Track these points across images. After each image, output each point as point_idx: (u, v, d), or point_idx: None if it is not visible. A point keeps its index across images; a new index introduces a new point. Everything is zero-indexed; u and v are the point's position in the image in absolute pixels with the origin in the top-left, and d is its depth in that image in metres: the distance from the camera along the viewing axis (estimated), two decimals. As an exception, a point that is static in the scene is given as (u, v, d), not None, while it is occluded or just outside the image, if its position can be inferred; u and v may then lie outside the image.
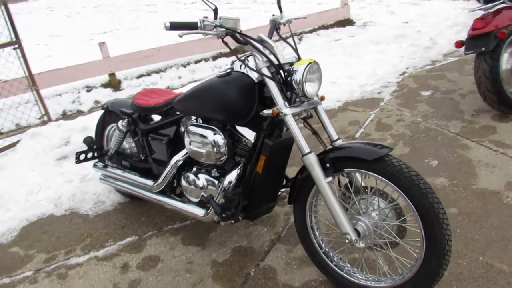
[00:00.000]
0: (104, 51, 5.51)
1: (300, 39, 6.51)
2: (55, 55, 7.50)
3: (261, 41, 2.05)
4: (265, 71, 1.87)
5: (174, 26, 1.79)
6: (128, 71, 5.80)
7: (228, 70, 2.05)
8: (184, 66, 5.98)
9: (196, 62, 6.09)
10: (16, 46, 4.16)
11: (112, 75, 5.69)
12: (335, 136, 1.97)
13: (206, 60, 6.12)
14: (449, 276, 1.98)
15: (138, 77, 5.82)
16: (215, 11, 1.83)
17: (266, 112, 1.85)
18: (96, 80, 5.72)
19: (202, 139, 2.10)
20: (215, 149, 2.07)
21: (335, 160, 1.81)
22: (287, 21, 2.17)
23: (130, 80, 5.77)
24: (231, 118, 2.03)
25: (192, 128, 2.16)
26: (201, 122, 2.21)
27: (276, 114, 1.82)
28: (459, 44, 3.28)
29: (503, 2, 3.18)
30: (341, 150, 1.83)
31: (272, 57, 1.92)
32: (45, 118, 4.52)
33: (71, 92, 5.59)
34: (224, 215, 2.04)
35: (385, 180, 1.70)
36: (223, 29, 1.83)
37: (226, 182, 2.11)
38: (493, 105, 3.29)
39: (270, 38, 2.12)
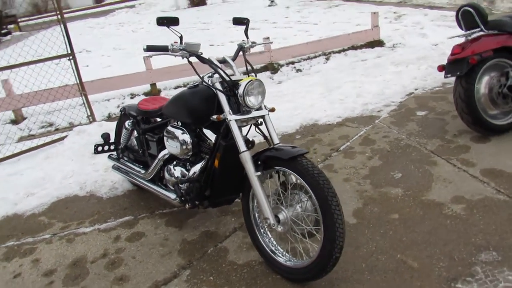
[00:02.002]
0: (148, 64, 6.30)
1: (327, 59, 6.88)
2: (114, 65, 8.54)
3: (223, 61, 2.55)
4: (218, 86, 2.36)
5: (150, 49, 2.34)
6: (167, 82, 6.54)
7: (197, 83, 2.56)
8: (217, 79, 6.61)
9: (229, 76, 6.69)
10: (71, 57, 5.01)
11: (153, 85, 6.46)
12: (276, 141, 2.41)
13: (237, 74, 6.70)
14: (365, 267, 2.31)
15: (176, 87, 6.54)
16: (181, 38, 2.36)
17: (212, 117, 2.33)
18: (140, 88, 6.52)
19: (174, 137, 2.63)
20: (183, 146, 2.59)
21: (266, 159, 2.24)
22: (250, 45, 2.66)
23: (168, 90, 6.51)
24: (195, 121, 2.53)
25: (169, 128, 2.70)
26: (179, 124, 2.74)
27: (220, 119, 2.30)
28: (440, 68, 3.52)
29: (481, 30, 3.39)
30: (270, 151, 2.25)
31: (229, 74, 2.40)
32: (90, 118, 5.35)
33: (118, 98, 6.43)
34: (183, 199, 2.55)
35: (297, 175, 2.10)
36: (186, 52, 2.35)
37: (191, 173, 2.62)
38: (469, 125, 3.48)
39: (234, 59, 2.62)
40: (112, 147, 3.58)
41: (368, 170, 3.32)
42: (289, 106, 5.03)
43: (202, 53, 2.43)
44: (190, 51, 2.36)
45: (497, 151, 3.29)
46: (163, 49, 2.34)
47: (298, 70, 6.69)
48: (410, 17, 9.05)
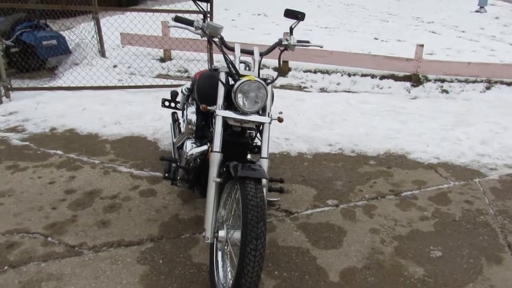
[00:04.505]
0: (286, 40, 6.25)
1: (487, 88, 5.63)
2: (257, 29, 8.81)
3: (250, 52, 2.33)
4: (221, 76, 2.17)
5: (177, 19, 2.28)
6: (298, 63, 6.39)
7: (218, 67, 2.42)
8: (349, 75, 6.14)
9: (363, 75, 6.13)
10: (208, 15, 5.32)
11: (285, 62, 6.40)
12: (263, 155, 2.14)
13: (373, 76, 6.07)
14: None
15: (305, 71, 6.35)
16: (205, 15, 2.22)
17: (201, 106, 2.17)
18: (271, 62, 6.54)
19: (186, 113, 2.57)
20: (189, 125, 2.53)
21: (234, 169, 2.00)
22: (287, 44, 2.35)
23: (297, 71, 6.36)
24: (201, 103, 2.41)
25: (188, 103, 2.65)
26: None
27: (205, 110, 2.13)
28: None
29: None
30: (240, 163, 2.00)
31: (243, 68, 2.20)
32: (209, 75, 5.68)
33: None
34: (166, 175, 2.51)
35: (240, 198, 1.82)
36: (204, 33, 2.20)
37: (188, 153, 2.54)
38: None
39: (265, 54, 2.36)
40: (178, 106, 3.74)
41: (408, 232, 2.68)
42: (397, 127, 4.36)
43: (222, 38, 2.25)
44: (205, 32, 2.20)
45: None
46: (188, 22, 2.25)
47: (444, 91, 5.68)
48: None
